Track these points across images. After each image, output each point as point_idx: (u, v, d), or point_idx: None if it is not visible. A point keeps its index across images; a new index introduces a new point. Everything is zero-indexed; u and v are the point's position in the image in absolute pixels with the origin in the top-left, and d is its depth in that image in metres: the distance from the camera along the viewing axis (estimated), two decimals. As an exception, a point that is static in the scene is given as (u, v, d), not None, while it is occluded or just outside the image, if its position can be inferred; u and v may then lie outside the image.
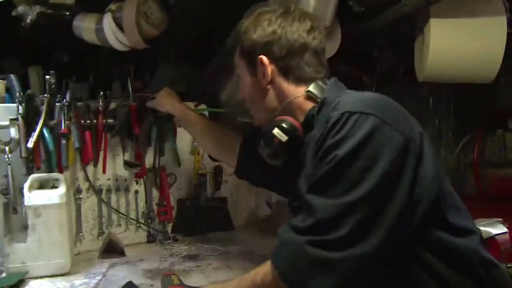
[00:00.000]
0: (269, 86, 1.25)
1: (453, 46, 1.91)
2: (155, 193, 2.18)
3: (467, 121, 2.54)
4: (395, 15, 1.87)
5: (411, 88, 2.34)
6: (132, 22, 1.68)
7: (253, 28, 1.25)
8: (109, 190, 2.09)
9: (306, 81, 1.22)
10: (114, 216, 2.10)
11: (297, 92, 1.22)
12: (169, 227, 2.20)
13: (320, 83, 1.22)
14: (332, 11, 1.72)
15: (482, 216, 2.03)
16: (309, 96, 1.20)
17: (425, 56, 1.93)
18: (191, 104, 2.20)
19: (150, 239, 2.14)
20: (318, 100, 1.18)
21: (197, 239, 2.17)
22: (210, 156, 2.28)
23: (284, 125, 1.18)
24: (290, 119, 1.19)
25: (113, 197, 2.10)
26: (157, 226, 2.17)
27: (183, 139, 2.20)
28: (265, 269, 1.06)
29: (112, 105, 2.02)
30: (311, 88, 1.21)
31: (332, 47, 1.86)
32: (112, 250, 1.98)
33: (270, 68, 1.23)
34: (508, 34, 1.89)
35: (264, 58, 1.23)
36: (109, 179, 2.09)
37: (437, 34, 1.87)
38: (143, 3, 1.72)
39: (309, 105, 1.21)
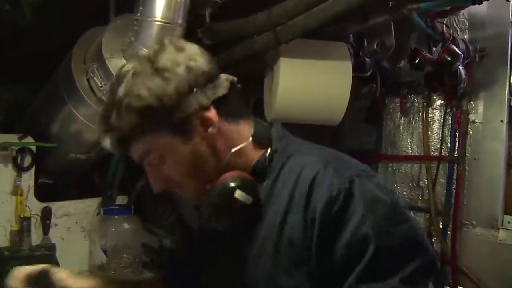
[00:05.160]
0: (215, 140, 0.94)
1: (302, 86, 1.89)
2: (-39, 244, 1.82)
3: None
4: (244, 52, 1.81)
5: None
6: None
7: (163, 88, 0.88)
8: None
9: (241, 116, 0.98)
10: None
11: (241, 135, 0.96)
12: (-21, 284, 1.84)
13: (258, 121, 1.01)
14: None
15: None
16: (255, 141, 0.97)
17: (274, 94, 1.89)
18: (14, 137, 1.89)
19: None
20: (269, 145, 0.97)
21: (16, 295, 1.84)
22: (36, 196, 1.99)
23: (244, 184, 0.92)
24: (241, 174, 0.94)
25: None
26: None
27: (1, 176, 1.87)
28: None
29: None
30: (256, 130, 0.98)
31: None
32: None
33: (213, 116, 0.92)
34: (352, 77, 1.93)
35: (208, 111, 0.91)
36: None
37: (287, 73, 1.84)
38: None
39: (255, 151, 0.97)
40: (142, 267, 2.10)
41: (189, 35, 1.73)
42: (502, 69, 2.26)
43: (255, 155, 0.97)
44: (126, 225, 2.08)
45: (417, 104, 2.50)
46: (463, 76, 2.15)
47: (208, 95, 0.91)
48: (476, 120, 2.32)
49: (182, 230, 2.42)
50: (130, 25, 1.58)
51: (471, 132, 2.33)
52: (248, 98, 2.36)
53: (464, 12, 2.30)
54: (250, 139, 0.96)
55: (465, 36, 2.31)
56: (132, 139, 0.91)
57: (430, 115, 2.45)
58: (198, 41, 1.88)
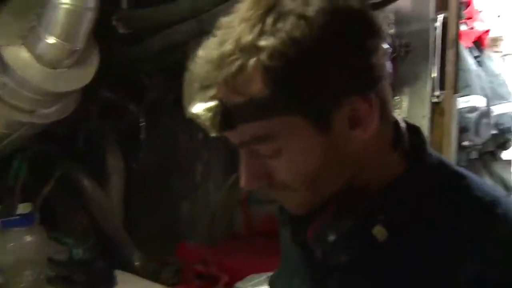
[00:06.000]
0: (358, 144, 0.62)
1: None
2: None
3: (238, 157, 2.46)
4: (164, 42, 1.65)
5: (181, 120, 2.16)
6: None
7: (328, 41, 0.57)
8: None
9: (390, 111, 0.65)
10: None
11: (385, 140, 0.65)
12: None
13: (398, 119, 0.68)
14: (85, 32, 1.39)
15: (251, 253, 2.02)
16: (398, 151, 0.66)
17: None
18: None
19: None
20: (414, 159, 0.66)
21: None
22: None
23: (387, 217, 0.62)
24: (383, 200, 0.64)
25: None
26: None
27: None
28: None
29: None
30: (401, 134, 0.66)
31: (87, 73, 1.54)
32: None
33: (372, 111, 0.60)
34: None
35: (365, 101, 0.59)
36: None
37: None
38: None
39: (395, 165, 0.66)
40: (47, 283, 1.86)
41: (102, 22, 1.56)
42: (424, 65, 2.26)
43: (394, 170, 0.66)
44: (28, 238, 1.82)
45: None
46: (390, 71, 2.11)
47: (372, 73, 0.60)
48: (400, 115, 2.31)
49: (96, 236, 2.23)
50: (32, 7, 1.36)
51: (396, 128, 2.33)
52: (167, 94, 2.20)
53: (390, 6, 2.28)
54: (394, 149, 0.65)
55: (391, 31, 2.29)
56: (250, 116, 0.59)
57: (355, 111, 2.41)
58: (112, 30, 1.71)
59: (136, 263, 2.19)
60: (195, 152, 2.36)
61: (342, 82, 0.58)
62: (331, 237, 0.63)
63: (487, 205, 0.61)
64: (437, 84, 2.23)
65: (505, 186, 2.91)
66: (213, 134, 0.63)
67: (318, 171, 0.62)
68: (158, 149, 2.39)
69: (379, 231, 0.61)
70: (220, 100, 0.60)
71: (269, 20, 0.57)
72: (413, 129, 0.68)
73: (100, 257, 2.09)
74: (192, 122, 2.26)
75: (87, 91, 1.76)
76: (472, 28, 2.77)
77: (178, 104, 1.97)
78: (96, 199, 2.18)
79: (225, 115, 0.59)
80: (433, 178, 0.66)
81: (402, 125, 0.67)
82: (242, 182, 0.64)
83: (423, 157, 0.66)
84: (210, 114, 0.60)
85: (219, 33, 0.60)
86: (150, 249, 2.23)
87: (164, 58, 1.84)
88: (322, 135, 0.60)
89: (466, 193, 0.63)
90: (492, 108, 2.73)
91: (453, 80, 2.31)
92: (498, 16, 3.23)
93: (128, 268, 2.12)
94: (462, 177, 0.66)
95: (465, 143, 2.62)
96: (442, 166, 0.67)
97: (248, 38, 0.57)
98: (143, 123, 2.40)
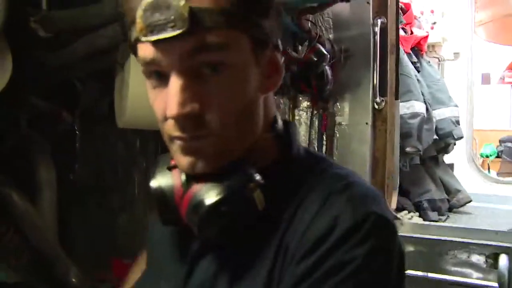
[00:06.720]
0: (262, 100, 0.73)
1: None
2: None
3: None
4: (88, 47, 1.55)
5: (116, 127, 2.07)
6: None
7: None
8: None
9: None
10: None
11: (268, 118, 0.75)
12: None
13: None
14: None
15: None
16: (275, 133, 0.77)
17: (125, 97, 1.64)
18: None
19: None
20: (286, 147, 0.77)
21: None
22: None
23: (263, 184, 0.68)
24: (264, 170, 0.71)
25: None
26: None
27: None
28: None
29: None
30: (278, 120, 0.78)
31: (1, 79, 1.41)
32: None
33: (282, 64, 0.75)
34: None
35: (279, 53, 0.73)
36: None
37: (138, 73, 1.59)
38: None
39: (271, 147, 0.77)
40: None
41: (19, 24, 1.45)
42: (365, 70, 2.24)
43: (270, 152, 0.76)
44: None
45: (283, 106, 2.41)
46: (329, 77, 2.09)
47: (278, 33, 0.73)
48: (342, 123, 2.29)
49: (30, 255, 2.09)
50: None
51: (337, 135, 2.30)
52: (102, 102, 2.10)
53: (329, 11, 2.25)
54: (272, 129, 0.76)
55: (330, 36, 2.26)
56: (220, 22, 0.63)
57: (296, 117, 2.37)
58: (32, 32, 1.59)
59: (73, 280, 2.07)
60: (131, 160, 2.26)
61: (276, 26, 0.70)
62: (210, 200, 0.64)
63: (343, 176, 0.72)
64: (377, 90, 2.21)
65: (447, 189, 2.95)
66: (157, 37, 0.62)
67: (246, 108, 0.67)
68: (94, 159, 2.28)
69: (258, 196, 0.65)
70: (189, 3, 0.61)
71: None
72: (286, 124, 0.78)
73: (32, 277, 1.95)
74: (127, 129, 2.17)
75: (13, 98, 1.64)
76: (411, 34, 2.80)
77: (113, 111, 1.89)
78: (26, 215, 2.04)
79: (197, 16, 0.61)
80: (302, 161, 0.76)
81: (279, 119, 0.77)
82: (173, 107, 0.63)
83: (292, 145, 0.77)
84: (174, 10, 0.60)
85: None
86: (87, 265, 2.12)
87: (91, 64, 1.74)
88: (255, 66, 0.67)
89: (327, 170, 0.74)
90: (433, 113, 2.75)
91: (394, 86, 2.29)
92: (434, 22, 3.30)
93: (65, 286, 2.00)
94: (324, 161, 0.77)
95: (408, 149, 2.62)
96: (308, 153, 0.79)
97: None
98: (78, 132, 2.29)
